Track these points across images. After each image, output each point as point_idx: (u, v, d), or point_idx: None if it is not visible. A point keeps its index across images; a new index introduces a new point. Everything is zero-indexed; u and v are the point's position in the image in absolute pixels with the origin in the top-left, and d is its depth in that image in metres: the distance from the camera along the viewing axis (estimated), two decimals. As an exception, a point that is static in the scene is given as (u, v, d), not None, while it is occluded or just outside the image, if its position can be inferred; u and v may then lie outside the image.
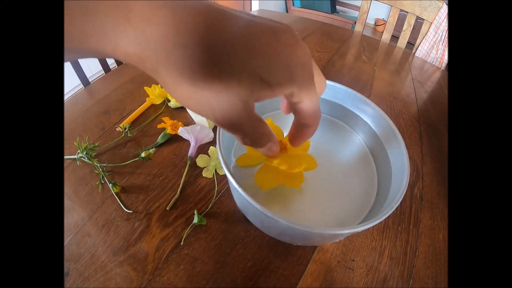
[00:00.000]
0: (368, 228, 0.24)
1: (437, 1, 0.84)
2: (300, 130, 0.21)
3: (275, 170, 0.29)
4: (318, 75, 0.18)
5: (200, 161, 0.40)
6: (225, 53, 0.14)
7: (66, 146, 0.42)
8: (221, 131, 0.30)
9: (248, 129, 0.17)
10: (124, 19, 0.13)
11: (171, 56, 0.14)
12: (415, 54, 0.89)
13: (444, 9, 0.83)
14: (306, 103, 0.18)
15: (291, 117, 0.22)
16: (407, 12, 0.90)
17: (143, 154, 0.39)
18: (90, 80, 0.69)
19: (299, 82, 0.16)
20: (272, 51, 0.15)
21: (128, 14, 0.13)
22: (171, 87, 0.15)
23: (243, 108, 0.16)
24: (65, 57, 0.14)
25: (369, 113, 0.38)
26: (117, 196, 0.36)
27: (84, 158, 0.38)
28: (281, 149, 0.29)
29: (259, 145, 0.19)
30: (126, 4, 0.13)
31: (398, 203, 0.26)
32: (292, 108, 0.19)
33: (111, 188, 0.36)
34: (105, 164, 0.39)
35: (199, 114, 0.16)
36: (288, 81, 0.16)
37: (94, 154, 0.40)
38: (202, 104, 0.15)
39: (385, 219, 0.25)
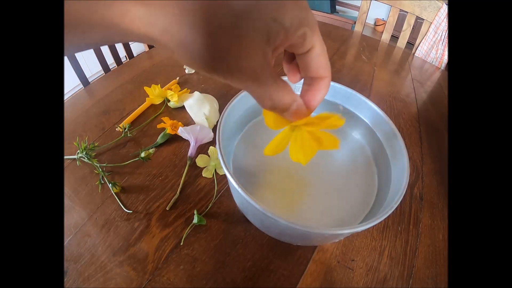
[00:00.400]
0: (368, 228, 0.24)
1: (436, 1, 0.84)
2: (315, 85, 0.19)
3: (307, 139, 0.27)
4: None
5: (200, 161, 0.40)
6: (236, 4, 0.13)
7: (66, 146, 0.42)
8: (221, 131, 0.30)
9: (268, 86, 0.16)
10: None
11: (183, 11, 0.13)
12: (415, 54, 0.89)
13: (444, 9, 0.83)
14: (319, 47, 0.17)
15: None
16: (407, 12, 0.90)
17: (142, 154, 0.39)
18: (90, 80, 0.69)
19: (310, 22, 0.16)
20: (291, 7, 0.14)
21: None
22: (186, 48, 0.14)
23: (262, 60, 0.15)
24: (71, 42, 0.14)
25: (368, 113, 0.38)
26: (116, 196, 0.36)
27: (84, 158, 0.38)
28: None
29: (282, 105, 0.18)
30: None
31: (398, 203, 0.26)
32: (303, 61, 0.18)
33: (110, 188, 0.36)
34: (105, 164, 0.39)
35: (211, 74, 0.15)
36: (300, 21, 0.15)
37: (94, 154, 0.40)
38: (217, 61, 0.14)
39: (385, 219, 0.25)
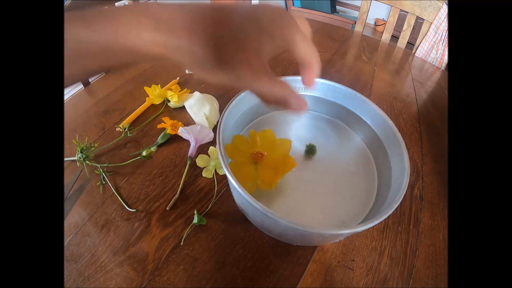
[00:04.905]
0: (368, 228, 0.24)
1: (437, 1, 0.84)
2: (306, 68, 0.23)
3: (270, 168, 0.33)
4: (301, 22, 0.23)
5: (200, 161, 0.40)
6: (235, 29, 0.18)
7: (66, 146, 0.42)
8: (221, 131, 0.30)
9: (267, 83, 0.19)
10: (146, 19, 0.17)
11: (191, 33, 0.18)
12: (415, 54, 0.89)
13: (444, 9, 0.83)
14: (300, 43, 0.21)
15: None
16: (407, 12, 0.90)
17: (144, 153, 0.39)
18: (90, 80, 0.69)
19: (291, 27, 0.20)
20: (275, 17, 0.19)
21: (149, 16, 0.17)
22: (196, 59, 0.18)
23: (259, 64, 0.19)
24: (90, 68, 0.18)
25: (369, 113, 0.38)
26: (116, 196, 0.36)
27: (82, 159, 0.38)
28: (258, 157, 0.32)
29: (281, 96, 0.21)
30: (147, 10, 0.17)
31: (398, 203, 0.26)
32: (298, 57, 0.22)
33: (112, 188, 0.36)
34: (105, 164, 0.39)
35: (219, 76, 0.19)
36: (284, 27, 0.20)
37: (92, 155, 0.40)
38: (223, 66, 0.18)
39: (385, 219, 0.25)
